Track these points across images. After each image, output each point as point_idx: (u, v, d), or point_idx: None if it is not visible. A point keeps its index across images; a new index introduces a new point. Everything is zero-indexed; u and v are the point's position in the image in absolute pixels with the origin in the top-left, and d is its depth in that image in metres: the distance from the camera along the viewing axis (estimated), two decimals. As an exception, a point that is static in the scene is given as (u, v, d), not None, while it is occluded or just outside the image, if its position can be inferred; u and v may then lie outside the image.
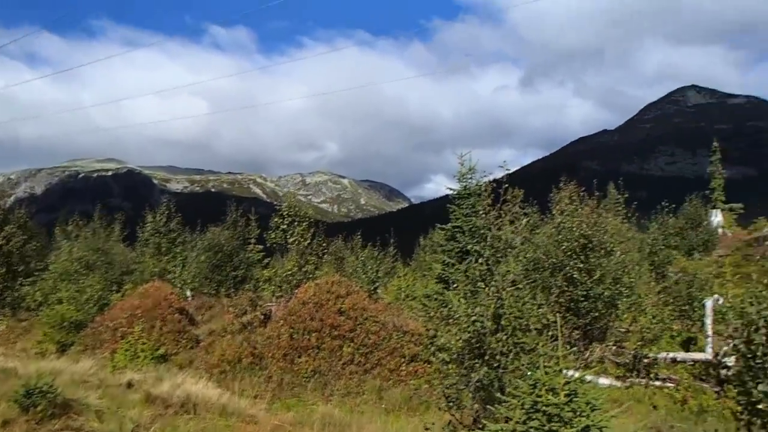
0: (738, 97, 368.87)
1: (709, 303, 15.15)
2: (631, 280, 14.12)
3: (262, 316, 18.35)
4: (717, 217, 38.54)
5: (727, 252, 30.69)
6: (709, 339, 14.49)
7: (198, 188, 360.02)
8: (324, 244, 21.38)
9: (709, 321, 14.85)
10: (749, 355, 6.84)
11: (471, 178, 16.86)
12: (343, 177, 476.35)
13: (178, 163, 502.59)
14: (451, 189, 17.23)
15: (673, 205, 32.06)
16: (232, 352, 14.81)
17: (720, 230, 37.03)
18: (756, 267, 23.14)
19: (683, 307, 17.51)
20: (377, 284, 22.22)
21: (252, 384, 13.64)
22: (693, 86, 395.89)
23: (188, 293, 26.14)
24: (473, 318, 9.04)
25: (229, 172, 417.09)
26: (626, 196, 21.88)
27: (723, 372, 11.91)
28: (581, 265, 13.35)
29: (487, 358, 9.03)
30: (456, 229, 16.47)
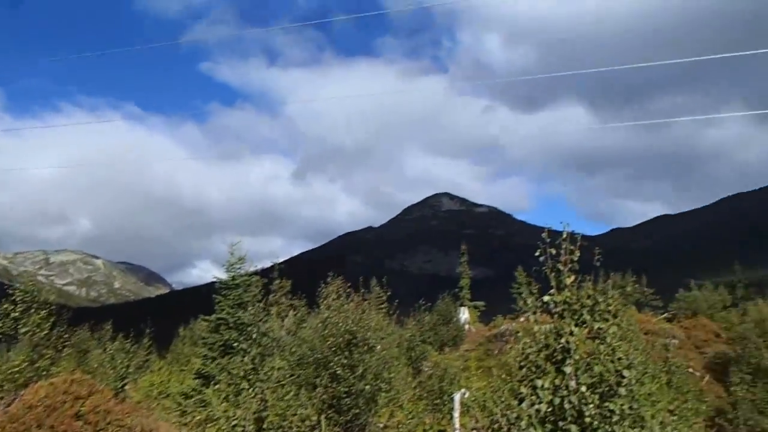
0: (482, 206, 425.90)
1: (457, 396, 16.29)
2: (391, 375, 14.58)
3: (-28, 424, 15.15)
4: (464, 314, 42.64)
5: (472, 347, 33.84)
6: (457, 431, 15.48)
7: None
8: (66, 335, 18.72)
9: (456, 414, 15.91)
10: (493, 451, 7.25)
11: (240, 268, 16.47)
12: (96, 257, 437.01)
13: None
14: (218, 278, 16.59)
15: (429, 303, 34.68)
16: None
17: (467, 326, 40.93)
18: (495, 361, 25.71)
19: (435, 401, 18.59)
20: (126, 381, 19.95)
21: None
22: (447, 193, 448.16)
23: None
24: (233, 422, 8.47)
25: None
26: (389, 293, 23.06)
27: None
28: (345, 361, 13.45)
29: (245, 465, 8.44)
30: (221, 321, 15.74)
